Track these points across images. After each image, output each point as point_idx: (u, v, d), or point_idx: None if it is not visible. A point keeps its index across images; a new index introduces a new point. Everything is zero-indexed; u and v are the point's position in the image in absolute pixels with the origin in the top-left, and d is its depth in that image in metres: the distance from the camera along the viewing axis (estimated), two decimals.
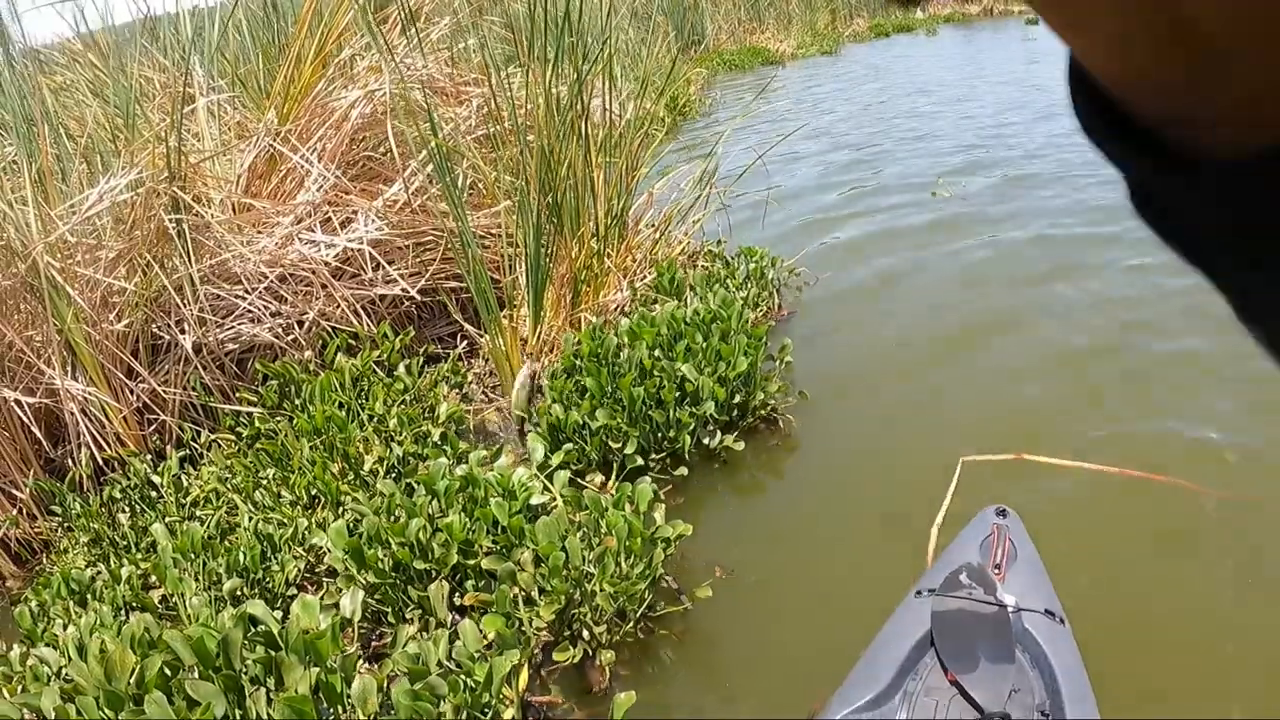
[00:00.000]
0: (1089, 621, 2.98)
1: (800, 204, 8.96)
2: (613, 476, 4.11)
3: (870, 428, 4.73)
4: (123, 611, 3.45)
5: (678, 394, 4.28)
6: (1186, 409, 4.55)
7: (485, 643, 2.93)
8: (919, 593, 2.84)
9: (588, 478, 4.10)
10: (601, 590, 3.10)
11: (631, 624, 3.23)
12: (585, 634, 3.16)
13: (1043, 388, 4.92)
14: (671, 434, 4.26)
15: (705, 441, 4.36)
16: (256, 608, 2.86)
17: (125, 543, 4.05)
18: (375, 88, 5.60)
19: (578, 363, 4.53)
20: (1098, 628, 3.01)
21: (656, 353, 4.48)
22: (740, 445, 4.33)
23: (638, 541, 3.19)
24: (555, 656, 3.11)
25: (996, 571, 2.90)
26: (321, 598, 3.38)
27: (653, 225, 6.27)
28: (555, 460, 3.92)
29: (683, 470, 4.25)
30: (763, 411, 4.63)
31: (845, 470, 4.37)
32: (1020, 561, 2.97)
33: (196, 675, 2.72)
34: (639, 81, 6.52)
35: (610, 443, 4.17)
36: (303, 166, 5.34)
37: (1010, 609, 2.67)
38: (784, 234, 7.76)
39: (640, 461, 4.14)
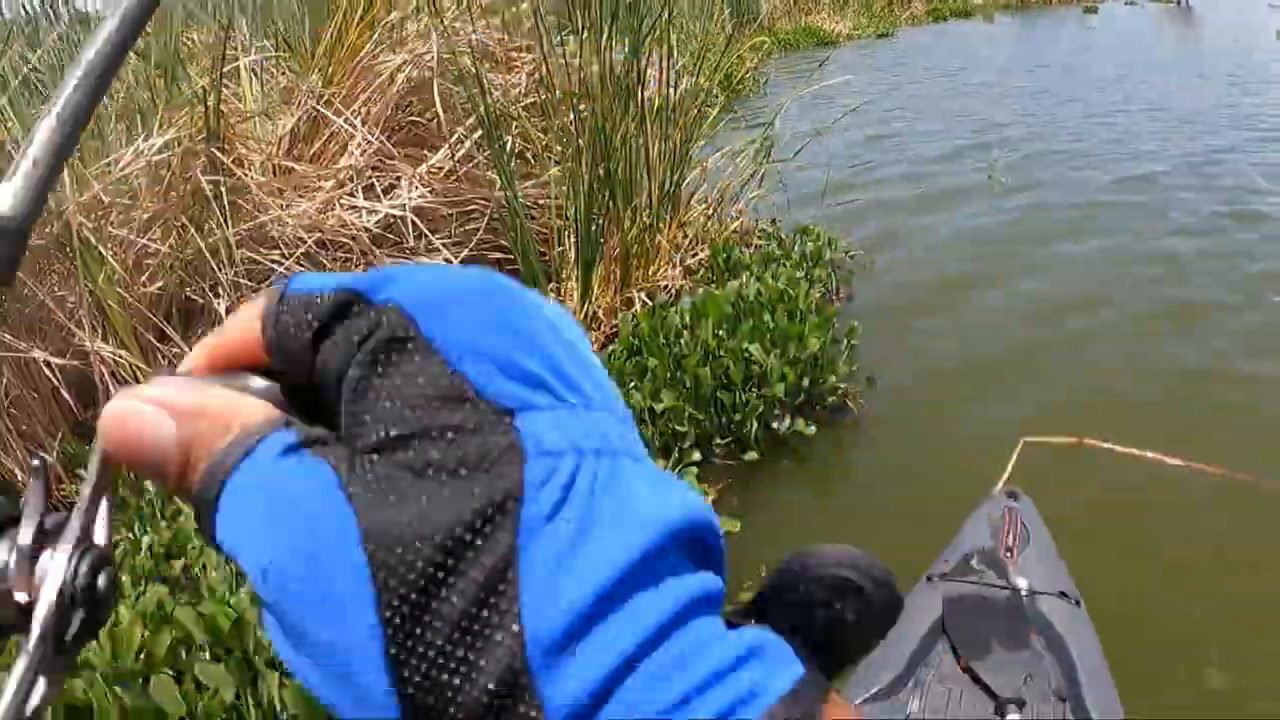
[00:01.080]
0: (1128, 609, 3.07)
1: (858, 183, 8.73)
2: (671, 466, 3.88)
3: (936, 413, 4.58)
4: (142, 582, 3.30)
5: (744, 376, 4.08)
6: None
7: None
8: (929, 578, 2.70)
9: None
10: None
11: None
12: None
13: (1111, 372, 4.92)
14: (739, 418, 4.06)
15: (774, 426, 4.14)
16: None
17: (150, 510, 3.90)
18: (423, 51, 5.42)
19: (636, 343, 4.34)
20: (1134, 616, 3.08)
21: (721, 333, 4.29)
22: (812, 430, 4.13)
23: None
24: None
25: (1008, 555, 2.74)
26: None
27: (705, 201, 6.05)
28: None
29: (752, 454, 4.05)
30: (832, 396, 4.42)
31: (911, 456, 4.17)
32: (1032, 544, 2.81)
33: (209, 655, 2.57)
34: (694, 55, 6.31)
35: (677, 427, 3.97)
36: (346, 130, 5.18)
37: (1023, 592, 2.55)
38: (841, 214, 7.50)
39: (697, 456, 3.94)
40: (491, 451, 0.31)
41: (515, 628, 0.29)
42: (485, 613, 0.29)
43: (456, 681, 0.29)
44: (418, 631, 0.29)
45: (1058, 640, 2.43)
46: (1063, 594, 2.61)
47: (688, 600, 0.31)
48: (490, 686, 0.29)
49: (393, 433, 0.32)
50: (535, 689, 0.29)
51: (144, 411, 0.35)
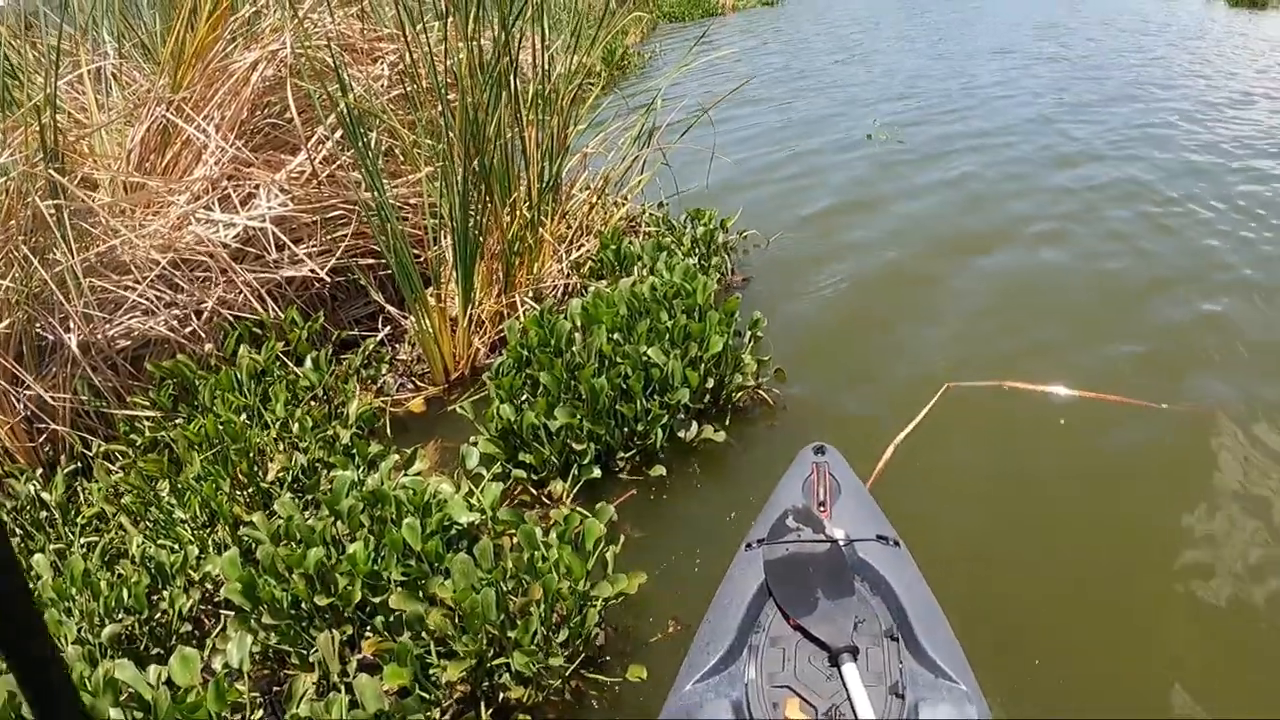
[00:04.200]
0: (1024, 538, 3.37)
1: (746, 159, 8.57)
2: (570, 486, 3.60)
3: (852, 390, 4.45)
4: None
5: (645, 382, 3.78)
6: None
7: (393, 693, 2.48)
8: (749, 545, 2.75)
9: (548, 487, 3.62)
10: (516, 656, 2.59)
11: (559, 682, 2.73)
12: (501, 695, 2.68)
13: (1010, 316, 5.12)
14: (641, 428, 3.75)
15: (680, 434, 3.84)
16: (125, 671, 2.41)
17: None
18: (277, 46, 5.06)
19: (525, 354, 4.02)
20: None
21: (616, 336, 3.99)
22: (721, 435, 3.85)
23: (570, 599, 2.71)
24: None
25: (822, 509, 2.85)
26: (215, 638, 2.91)
27: (589, 188, 5.77)
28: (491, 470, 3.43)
29: (659, 470, 3.72)
30: (741, 394, 4.15)
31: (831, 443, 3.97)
32: (845, 495, 2.92)
33: None
34: (571, 32, 6.04)
35: (573, 444, 3.65)
36: (199, 138, 4.81)
37: (841, 542, 2.64)
38: (732, 192, 7.33)
39: (597, 473, 3.64)
40: None
41: None
42: None
43: None
44: None
45: (882, 583, 2.52)
46: (880, 537, 2.70)
47: None
48: None
49: None
50: None
51: None
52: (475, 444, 3.56)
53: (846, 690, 2.14)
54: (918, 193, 7.34)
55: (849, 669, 2.18)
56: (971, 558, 3.26)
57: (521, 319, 4.36)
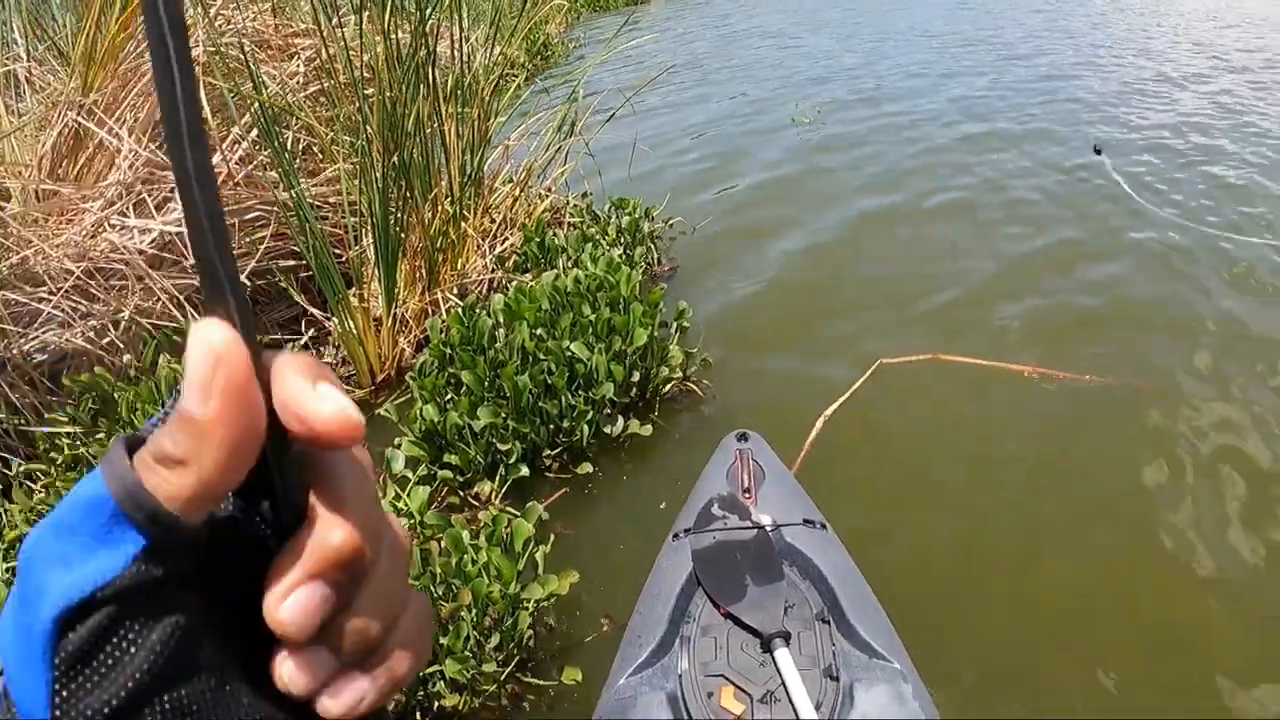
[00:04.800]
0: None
1: (669, 146, 8.56)
2: (498, 486, 3.58)
3: (782, 378, 4.45)
4: None
5: (569, 378, 3.76)
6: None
7: None
8: (675, 536, 2.76)
9: (476, 488, 3.59)
10: (448, 664, 2.57)
11: (494, 687, 2.72)
12: (436, 704, 2.66)
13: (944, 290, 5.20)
14: (567, 425, 3.73)
15: (607, 430, 3.83)
16: None
17: None
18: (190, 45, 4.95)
19: (448, 352, 3.98)
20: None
21: (539, 332, 3.95)
22: (647, 429, 3.84)
23: (501, 603, 2.69)
24: None
25: (747, 495, 2.86)
26: None
27: (511, 180, 5.72)
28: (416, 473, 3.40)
29: (586, 467, 3.71)
30: (669, 386, 4.15)
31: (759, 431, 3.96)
32: (769, 480, 2.93)
33: None
34: (491, 22, 5.99)
35: (499, 444, 3.61)
36: (112, 142, 4.71)
37: (768, 527, 2.64)
38: (656, 180, 7.33)
39: (524, 471, 3.61)
40: None
41: None
42: None
43: None
44: None
45: (811, 567, 2.53)
46: (807, 521, 2.72)
47: None
48: None
49: None
50: None
51: None
52: (399, 446, 3.53)
53: (780, 676, 2.16)
54: (839, 171, 7.41)
55: (782, 654, 2.19)
56: (898, 536, 3.31)
57: (444, 317, 4.32)
